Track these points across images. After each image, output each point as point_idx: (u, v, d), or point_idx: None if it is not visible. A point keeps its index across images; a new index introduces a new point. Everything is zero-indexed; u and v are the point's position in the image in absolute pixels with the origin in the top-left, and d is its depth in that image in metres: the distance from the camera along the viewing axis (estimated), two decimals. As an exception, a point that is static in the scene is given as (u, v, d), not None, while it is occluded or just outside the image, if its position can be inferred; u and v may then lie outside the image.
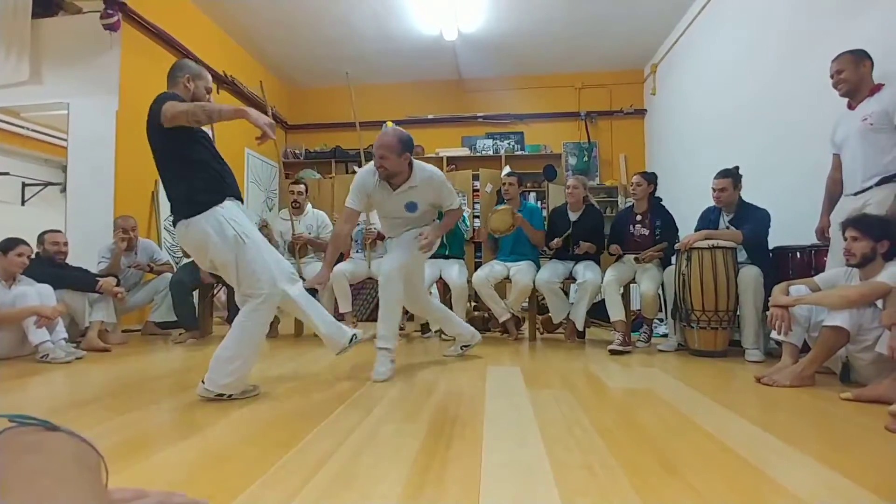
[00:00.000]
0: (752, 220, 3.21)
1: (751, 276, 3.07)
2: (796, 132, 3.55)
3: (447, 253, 4.01)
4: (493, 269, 3.92)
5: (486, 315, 4.36)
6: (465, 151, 7.11)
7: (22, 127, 5.81)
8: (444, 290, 3.94)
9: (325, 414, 1.80)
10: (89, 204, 4.29)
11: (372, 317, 5.13)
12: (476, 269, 4.08)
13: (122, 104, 4.35)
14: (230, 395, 2.01)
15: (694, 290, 3.15)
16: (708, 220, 3.43)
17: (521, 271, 3.81)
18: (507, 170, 4.79)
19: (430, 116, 7.32)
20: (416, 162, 2.58)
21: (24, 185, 6.16)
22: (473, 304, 4.60)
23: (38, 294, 3.10)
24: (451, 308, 3.45)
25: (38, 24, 4.37)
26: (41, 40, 4.39)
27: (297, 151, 7.41)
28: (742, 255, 3.27)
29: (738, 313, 3.17)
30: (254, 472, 1.26)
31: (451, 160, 7.00)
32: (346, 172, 7.16)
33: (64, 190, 4.50)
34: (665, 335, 3.82)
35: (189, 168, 2.05)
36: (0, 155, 5.79)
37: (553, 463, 1.33)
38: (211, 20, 5.72)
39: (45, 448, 0.33)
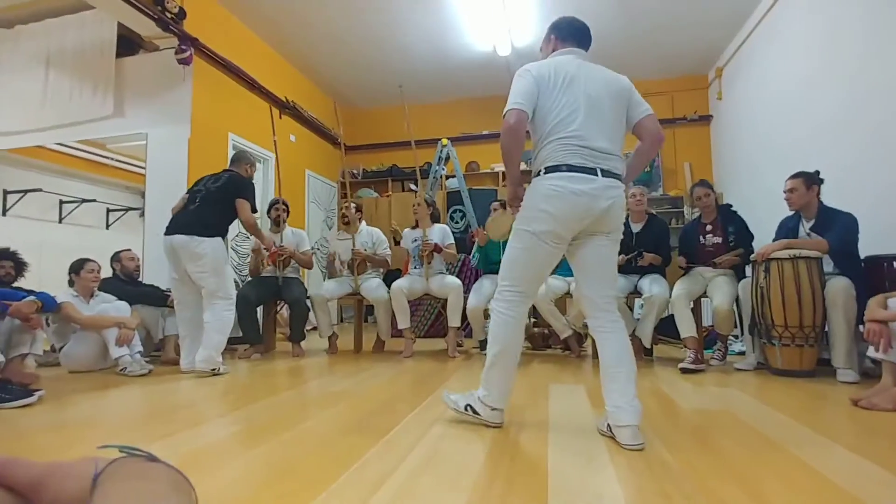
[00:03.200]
0: (837, 227, 2.94)
1: (840, 287, 2.80)
2: (887, 132, 3.26)
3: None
4: (552, 284, 3.81)
5: (546, 331, 4.24)
6: (521, 167, 7.03)
7: (107, 157, 6.33)
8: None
9: (384, 430, 1.78)
10: (164, 226, 4.54)
11: (429, 333, 5.12)
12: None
13: (193, 132, 4.63)
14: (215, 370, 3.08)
15: (774, 305, 2.91)
16: (787, 229, 3.18)
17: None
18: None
19: (484, 132, 7.32)
20: None
21: (108, 210, 6.69)
22: (533, 319, 4.48)
23: (116, 309, 3.35)
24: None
25: (120, 63, 4.76)
26: (123, 77, 4.77)
27: (354, 171, 7.61)
28: (829, 266, 3.00)
29: (825, 329, 2.90)
30: (316, 487, 1.25)
31: (506, 176, 6.94)
32: (403, 191, 7.28)
33: (142, 214, 4.82)
34: (741, 353, 3.56)
35: (225, 217, 3.32)
36: (87, 183, 6.32)
37: (626, 489, 1.24)
38: (272, 49, 6.03)
39: (146, 476, 0.37)
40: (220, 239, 3.23)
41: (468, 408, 1.88)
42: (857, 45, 3.55)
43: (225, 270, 3.24)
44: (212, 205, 3.25)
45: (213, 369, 3.08)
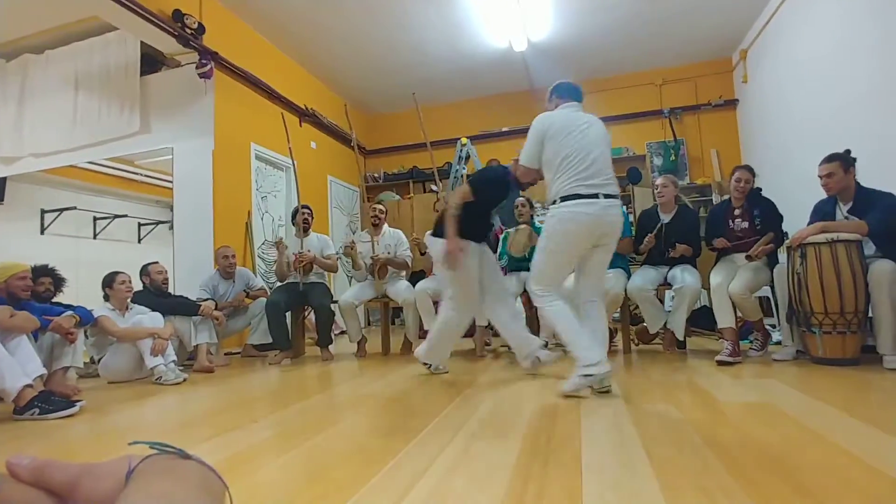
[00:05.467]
0: (878, 208, 2.81)
1: (884, 271, 2.67)
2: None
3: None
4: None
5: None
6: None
7: (136, 173, 6.51)
8: (529, 302, 3.82)
9: (415, 431, 1.77)
10: (192, 237, 4.67)
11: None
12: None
13: (217, 144, 4.72)
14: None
15: (813, 291, 2.80)
16: (823, 213, 3.05)
17: (610, 280, 3.59)
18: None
19: (504, 129, 7.28)
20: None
21: (139, 224, 6.87)
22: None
23: (152, 320, 3.43)
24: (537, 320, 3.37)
25: (145, 81, 4.88)
26: (148, 94, 4.89)
27: (375, 175, 7.65)
28: (870, 249, 2.87)
29: (869, 314, 2.77)
30: (349, 490, 1.25)
31: (527, 171, 6.89)
32: (424, 192, 7.28)
33: (172, 227, 4.93)
34: (778, 343, 3.45)
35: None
36: (119, 199, 6.52)
37: (664, 487, 1.20)
38: (290, 59, 6.11)
39: (174, 473, 0.37)
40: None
41: (582, 378, 2.25)
42: (889, 12, 3.39)
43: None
44: None
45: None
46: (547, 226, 2.41)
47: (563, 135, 2.37)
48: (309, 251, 4.15)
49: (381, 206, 4.34)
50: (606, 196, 2.31)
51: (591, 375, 2.23)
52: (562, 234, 2.36)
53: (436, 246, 2.92)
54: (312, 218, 4.33)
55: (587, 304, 2.49)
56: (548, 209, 2.45)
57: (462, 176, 6.54)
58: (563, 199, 2.32)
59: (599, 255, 2.45)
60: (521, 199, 4.04)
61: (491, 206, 3.00)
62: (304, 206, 4.30)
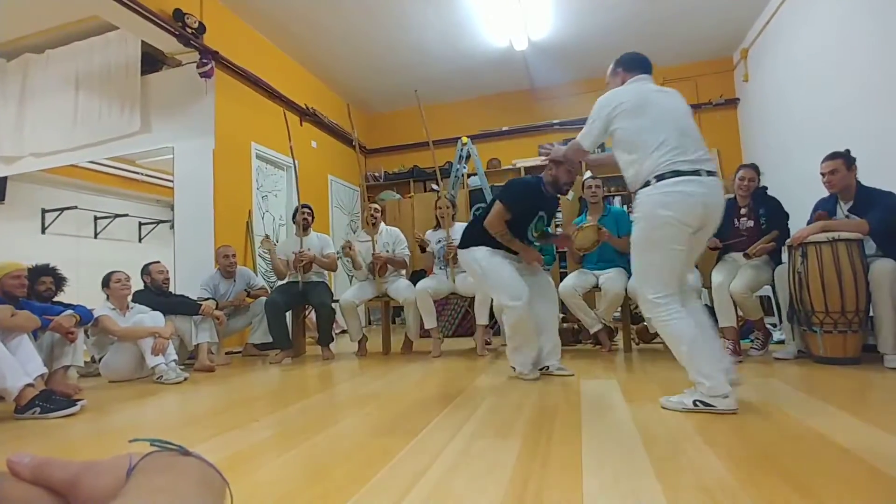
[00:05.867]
0: (879, 207, 2.81)
1: (885, 270, 2.67)
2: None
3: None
4: (580, 278, 3.76)
5: (575, 327, 4.18)
6: (542, 160, 6.98)
7: (137, 173, 6.52)
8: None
9: (415, 431, 1.77)
10: (193, 237, 4.67)
11: (457, 332, 5.11)
12: (562, 280, 3.91)
13: (217, 143, 4.72)
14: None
15: (814, 290, 2.80)
16: (824, 210, 3.05)
17: (610, 279, 3.61)
18: (588, 174, 4.59)
19: (504, 128, 7.27)
20: None
21: (140, 224, 6.88)
22: (562, 315, 4.42)
23: (153, 319, 3.44)
24: None
25: (145, 80, 4.88)
26: (148, 93, 4.89)
27: (376, 174, 7.65)
28: (871, 248, 2.87)
29: (870, 314, 2.77)
30: (349, 489, 1.25)
31: (528, 170, 6.90)
32: (425, 191, 7.28)
33: (173, 227, 4.94)
34: (781, 342, 3.44)
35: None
36: (120, 199, 6.53)
37: (664, 485, 1.20)
38: (291, 58, 6.10)
39: (175, 469, 0.37)
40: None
41: (697, 403, 1.90)
42: (888, 12, 3.39)
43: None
44: None
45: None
46: (643, 214, 1.99)
47: (643, 109, 2.04)
48: (309, 250, 4.15)
49: (376, 206, 4.35)
50: (709, 173, 1.96)
51: (710, 405, 1.87)
52: (666, 220, 1.93)
53: (467, 256, 2.86)
54: (313, 217, 4.33)
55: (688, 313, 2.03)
56: (635, 196, 2.06)
57: (463, 175, 6.54)
58: (660, 177, 1.94)
59: (696, 244, 2.07)
60: (591, 178, 3.93)
61: (528, 218, 2.83)
62: (303, 206, 4.31)
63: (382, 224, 4.35)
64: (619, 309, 3.79)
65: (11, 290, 2.83)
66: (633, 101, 2.06)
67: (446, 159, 6.66)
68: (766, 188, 3.44)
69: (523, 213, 2.79)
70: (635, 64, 2.23)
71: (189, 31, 4.45)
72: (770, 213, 3.28)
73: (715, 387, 1.85)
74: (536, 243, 3.00)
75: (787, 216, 3.30)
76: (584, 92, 6.97)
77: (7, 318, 2.56)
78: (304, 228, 4.23)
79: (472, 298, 3.89)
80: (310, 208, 4.33)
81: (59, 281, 3.40)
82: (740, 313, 3.23)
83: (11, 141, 5.25)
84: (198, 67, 4.57)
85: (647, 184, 1.98)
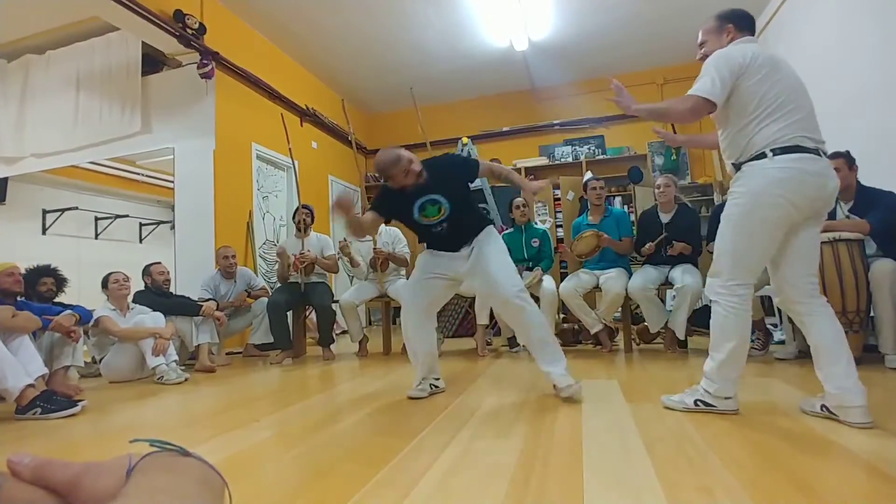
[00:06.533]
0: (879, 207, 2.81)
1: (886, 270, 2.67)
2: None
3: (531, 265, 3.90)
4: (580, 278, 3.76)
5: (576, 327, 4.18)
6: (543, 161, 6.99)
7: (137, 173, 6.53)
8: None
9: (416, 431, 1.77)
10: (193, 237, 4.67)
11: (458, 332, 5.11)
12: (562, 280, 3.91)
13: (217, 144, 4.72)
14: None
15: (814, 290, 2.79)
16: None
17: (611, 279, 3.61)
18: (588, 175, 4.60)
19: (505, 129, 7.27)
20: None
21: (140, 225, 6.89)
22: (562, 315, 4.42)
23: (153, 320, 3.44)
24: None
25: (146, 81, 4.89)
26: (149, 94, 4.90)
27: (376, 175, 7.65)
28: (871, 248, 2.87)
29: (871, 314, 2.77)
30: (352, 488, 1.25)
31: (529, 170, 6.90)
32: (425, 191, 7.27)
33: (173, 227, 4.94)
34: (781, 342, 3.44)
35: None
36: (120, 199, 6.54)
37: (665, 484, 1.20)
38: (291, 59, 6.11)
39: (174, 470, 0.37)
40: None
41: (698, 403, 1.87)
42: (889, 11, 3.38)
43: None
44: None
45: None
46: (748, 189, 1.75)
47: (776, 72, 1.77)
48: (309, 251, 4.15)
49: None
50: (826, 155, 1.77)
51: (710, 405, 1.84)
52: (776, 199, 1.70)
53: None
54: (312, 218, 4.33)
55: (807, 308, 1.78)
56: (738, 167, 1.81)
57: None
58: (779, 150, 1.71)
59: (811, 231, 1.79)
60: (518, 199, 3.99)
61: (406, 214, 2.58)
62: (303, 206, 4.30)
63: (382, 224, 4.34)
64: (620, 309, 3.79)
65: (8, 286, 2.84)
66: (765, 60, 1.79)
67: (446, 160, 6.65)
68: None
69: (394, 213, 2.59)
70: (747, 23, 1.97)
71: (189, 31, 4.46)
72: None
73: (722, 388, 1.84)
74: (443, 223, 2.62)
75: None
76: (584, 92, 6.98)
77: (8, 318, 2.56)
78: (304, 230, 4.23)
79: (473, 299, 3.89)
80: (309, 209, 4.33)
81: (60, 282, 3.41)
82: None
83: (12, 141, 5.25)
84: (198, 68, 4.57)
85: (761, 155, 1.73)
